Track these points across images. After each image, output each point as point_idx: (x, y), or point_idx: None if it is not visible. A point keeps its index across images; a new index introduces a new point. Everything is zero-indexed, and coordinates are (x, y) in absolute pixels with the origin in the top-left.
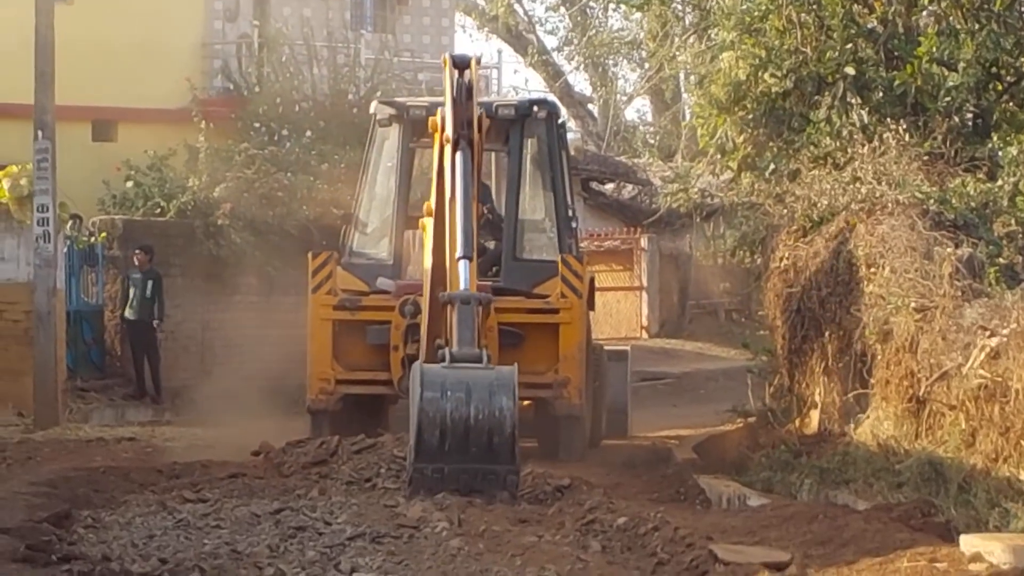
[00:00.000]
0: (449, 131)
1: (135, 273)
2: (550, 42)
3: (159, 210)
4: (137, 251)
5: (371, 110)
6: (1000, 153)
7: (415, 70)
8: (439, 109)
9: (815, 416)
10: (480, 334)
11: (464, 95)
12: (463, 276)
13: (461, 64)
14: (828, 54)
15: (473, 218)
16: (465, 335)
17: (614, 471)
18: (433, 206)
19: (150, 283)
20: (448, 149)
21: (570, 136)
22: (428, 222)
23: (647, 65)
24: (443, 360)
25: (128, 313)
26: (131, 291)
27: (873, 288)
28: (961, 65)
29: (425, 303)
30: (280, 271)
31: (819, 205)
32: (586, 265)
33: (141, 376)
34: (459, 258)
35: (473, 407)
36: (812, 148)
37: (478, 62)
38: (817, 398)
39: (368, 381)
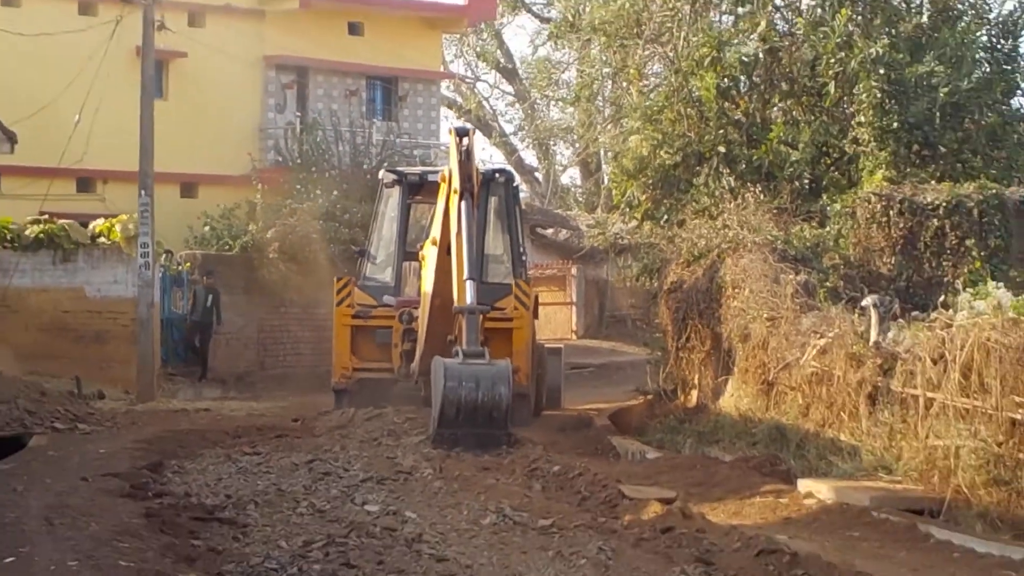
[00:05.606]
0: (457, 184)
1: (199, 289)
2: (508, 128)
3: (228, 247)
4: (206, 275)
5: (380, 176)
6: (828, 208)
7: (412, 148)
8: (445, 168)
9: (695, 394)
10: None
11: (465, 156)
12: (470, 292)
13: (462, 133)
14: (706, 137)
15: (475, 248)
16: (472, 337)
17: (551, 433)
18: (438, 237)
19: (210, 296)
20: (455, 199)
21: (522, 195)
22: (428, 252)
23: (577, 145)
24: (457, 355)
25: (194, 316)
26: (196, 301)
27: (736, 303)
28: (801, 145)
29: (423, 312)
30: (314, 291)
31: (699, 244)
32: (532, 287)
33: (204, 363)
34: (466, 279)
35: (481, 393)
36: (694, 204)
37: (474, 131)
38: (696, 381)
39: (376, 369)
